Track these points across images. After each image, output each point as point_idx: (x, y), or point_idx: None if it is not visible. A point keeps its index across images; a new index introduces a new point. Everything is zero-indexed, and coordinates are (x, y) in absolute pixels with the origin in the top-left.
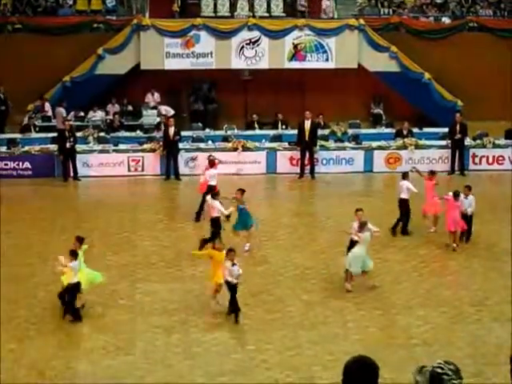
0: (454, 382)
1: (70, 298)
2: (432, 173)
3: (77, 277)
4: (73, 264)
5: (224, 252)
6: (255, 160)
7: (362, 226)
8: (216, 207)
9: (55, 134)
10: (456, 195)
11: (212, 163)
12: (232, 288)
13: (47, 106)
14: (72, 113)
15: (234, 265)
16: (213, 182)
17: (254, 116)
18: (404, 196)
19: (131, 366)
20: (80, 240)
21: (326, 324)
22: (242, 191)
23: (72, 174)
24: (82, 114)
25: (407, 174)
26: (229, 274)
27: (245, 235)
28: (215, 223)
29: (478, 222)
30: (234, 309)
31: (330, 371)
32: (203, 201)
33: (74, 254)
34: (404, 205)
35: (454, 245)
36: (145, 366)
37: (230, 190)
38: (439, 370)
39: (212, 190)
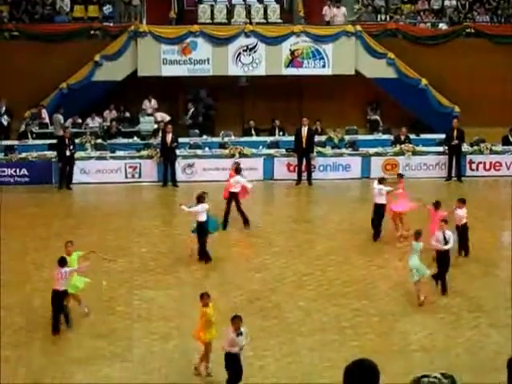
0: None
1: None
2: (400, 176)
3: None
4: (64, 270)
5: (210, 307)
6: (252, 166)
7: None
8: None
9: (53, 141)
10: (436, 205)
11: (237, 169)
12: (232, 358)
13: (44, 112)
14: (70, 120)
15: (239, 334)
16: (236, 189)
17: (251, 122)
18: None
19: (128, 373)
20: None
21: (323, 330)
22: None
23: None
24: (80, 120)
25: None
26: (229, 345)
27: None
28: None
29: (475, 228)
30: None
31: (327, 378)
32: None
33: (62, 262)
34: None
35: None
36: (142, 372)
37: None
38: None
39: (235, 197)
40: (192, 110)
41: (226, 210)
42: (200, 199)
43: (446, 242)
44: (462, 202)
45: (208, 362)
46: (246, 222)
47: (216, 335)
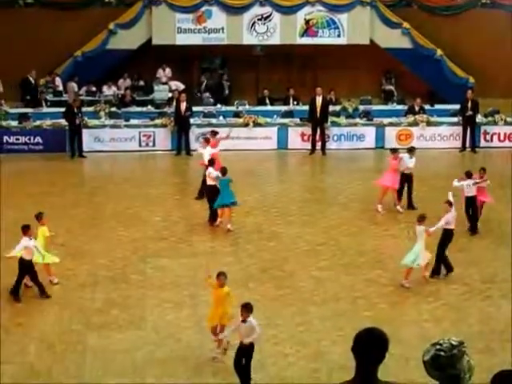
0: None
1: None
2: (394, 150)
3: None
4: (26, 241)
5: (226, 289)
6: (266, 136)
7: (421, 220)
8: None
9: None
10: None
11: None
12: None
13: (58, 80)
14: (84, 88)
15: (243, 321)
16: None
17: (266, 92)
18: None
19: (142, 341)
20: (39, 217)
21: (336, 300)
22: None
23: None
24: (94, 89)
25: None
26: (245, 335)
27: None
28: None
29: None
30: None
31: (339, 347)
32: None
33: (26, 230)
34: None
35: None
36: (155, 340)
37: (239, 166)
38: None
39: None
40: (205, 82)
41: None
42: (210, 163)
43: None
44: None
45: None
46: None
47: (231, 314)
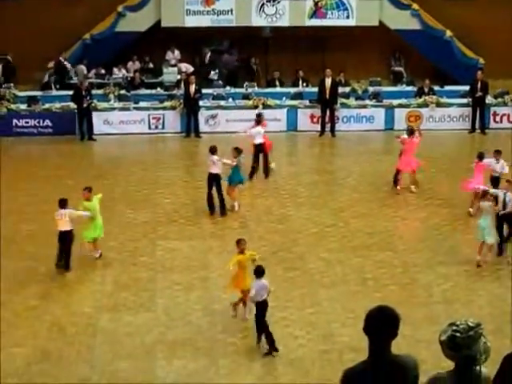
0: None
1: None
2: (412, 131)
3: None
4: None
5: (247, 254)
6: (276, 118)
7: (483, 196)
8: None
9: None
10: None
11: (258, 121)
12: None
13: (67, 64)
14: (93, 70)
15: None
16: (259, 140)
17: (275, 73)
18: None
19: (152, 323)
20: (89, 189)
21: (345, 282)
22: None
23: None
24: (103, 71)
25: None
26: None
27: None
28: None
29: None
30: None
31: (349, 328)
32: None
33: (63, 203)
34: None
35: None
36: (165, 322)
37: (251, 148)
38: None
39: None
40: (209, 54)
41: (252, 162)
42: (212, 151)
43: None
44: (499, 153)
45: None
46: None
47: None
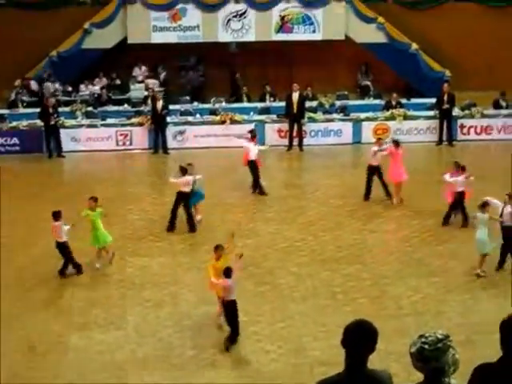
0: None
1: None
2: (398, 143)
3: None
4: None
5: (222, 261)
6: (243, 132)
7: (483, 206)
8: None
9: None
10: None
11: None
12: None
13: (33, 83)
14: (60, 88)
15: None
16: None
17: (244, 88)
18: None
19: (123, 340)
20: (94, 199)
21: (315, 296)
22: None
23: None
24: (70, 88)
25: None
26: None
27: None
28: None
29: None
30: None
31: (320, 342)
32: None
33: (56, 216)
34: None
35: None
36: (136, 339)
37: (217, 164)
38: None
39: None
40: (163, 74)
41: (253, 177)
42: (183, 171)
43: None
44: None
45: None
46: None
47: None
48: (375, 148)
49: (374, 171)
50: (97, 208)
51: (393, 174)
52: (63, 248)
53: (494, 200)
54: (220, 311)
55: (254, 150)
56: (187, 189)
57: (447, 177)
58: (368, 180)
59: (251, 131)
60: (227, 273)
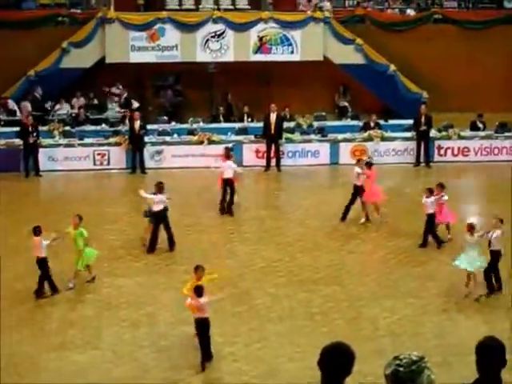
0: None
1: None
2: (371, 163)
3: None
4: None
5: (203, 281)
6: (221, 153)
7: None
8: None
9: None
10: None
11: (228, 155)
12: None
13: (10, 103)
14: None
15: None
16: (229, 175)
17: (220, 109)
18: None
19: (99, 360)
20: (79, 217)
21: (292, 317)
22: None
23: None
24: (48, 108)
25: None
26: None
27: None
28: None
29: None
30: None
31: (296, 363)
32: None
33: (36, 231)
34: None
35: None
36: (112, 359)
37: (195, 184)
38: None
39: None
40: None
41: (221, 196)
42: (158, 189)
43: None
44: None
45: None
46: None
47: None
48: (358, 170)
49: (359, 191)
50: (79, 227)
51: (367, 194)
52: (42, 264)
53: (475, 218)
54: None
55: (228, 169)
56: (158, 208)
57: (423, 199)
58: (351, 200)
59: (226, 148)
60: (198, 291)
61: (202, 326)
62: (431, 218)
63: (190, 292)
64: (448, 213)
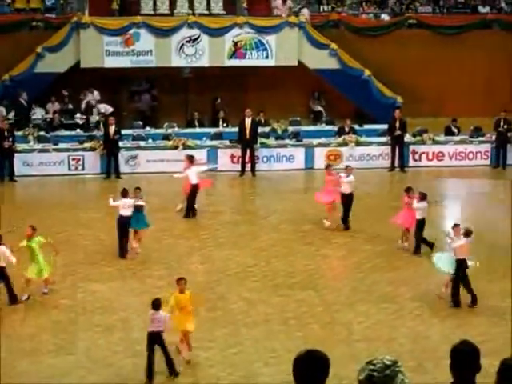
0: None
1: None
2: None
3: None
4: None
5: (187, 293)
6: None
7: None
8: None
9: None
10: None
11: (191, 160)
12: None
13: None
14: (12, 112)
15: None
16: (195, 181)
17: (195, 114)
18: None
19: (73, 366)
20: (32, 228)
21: (267, 321)
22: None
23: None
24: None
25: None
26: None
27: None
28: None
29: None
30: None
31: (272, 368)
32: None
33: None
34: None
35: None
36: (86, 365)
37: (170, 189)
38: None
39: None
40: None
41: (188, 202)
42: (123, 194)
43: None
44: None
45: (190, 349)
46: (191, 214)
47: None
48: (345, 179)
49: (348, 198)
50: (35, 237)
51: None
52: (1, 273)
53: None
54: (180, 341)
55: (192, 174)
56: (127, 212)
57: (415, 203)
58: (345, 211)
59: (189, 156)
60: (155, 305)
61: (152, 341)
62: (421, 223)
63: (173, 304)
64: (409, 218)
